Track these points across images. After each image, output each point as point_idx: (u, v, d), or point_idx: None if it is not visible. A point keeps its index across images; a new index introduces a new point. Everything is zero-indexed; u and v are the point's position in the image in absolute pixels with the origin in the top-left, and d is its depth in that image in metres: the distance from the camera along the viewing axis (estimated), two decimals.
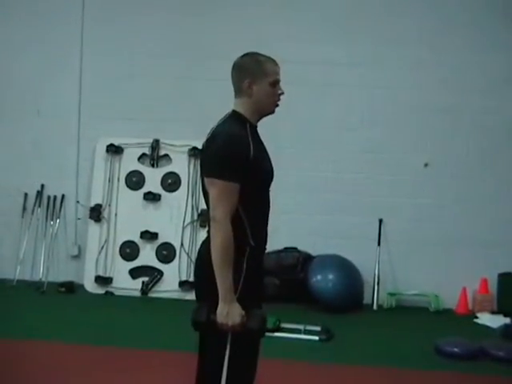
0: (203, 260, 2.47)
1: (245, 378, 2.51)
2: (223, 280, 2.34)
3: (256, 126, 2.56)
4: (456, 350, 4.73)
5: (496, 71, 6.12)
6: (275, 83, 2.53)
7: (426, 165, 6.23)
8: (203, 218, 6.15)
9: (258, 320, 2.38)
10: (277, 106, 2.57)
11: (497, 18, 6.07)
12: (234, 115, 2.53)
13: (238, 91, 2.53)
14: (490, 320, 5.75)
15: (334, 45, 6.25)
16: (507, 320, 5.68)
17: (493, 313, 5.96)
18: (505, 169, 6.17)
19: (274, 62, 2.55)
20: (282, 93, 2.56)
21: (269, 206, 2.57)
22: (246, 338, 2.40)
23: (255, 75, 2.49)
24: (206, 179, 2.43)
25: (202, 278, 2.50)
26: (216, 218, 2.36)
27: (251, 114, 2.52)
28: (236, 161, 2.38)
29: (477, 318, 5.88)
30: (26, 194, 6.65)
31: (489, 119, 6.15)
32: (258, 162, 2.43)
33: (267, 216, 2.57)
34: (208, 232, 2.53)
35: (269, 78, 2.50)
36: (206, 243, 2.51)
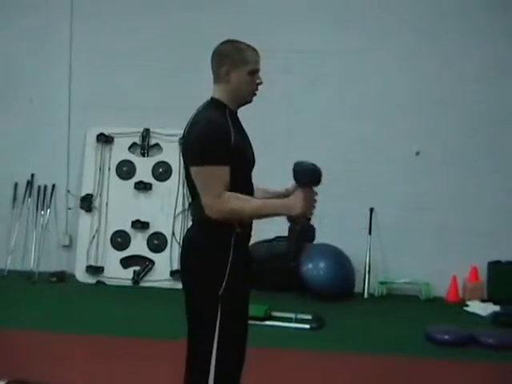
0: (188, 248, 2.48)
1: (233, 363, 2.51)
2: (267, 210, 2.38)
3: (236, 112, 2.54)
4: (446, 337, 4.76)
5: (489, 61, 6.12)
6: (254, 72, 2.50)
7: (417, 153, 6.25)
8: None
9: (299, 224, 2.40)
10: (254, 95, 2.54)
11: (490, 7, 6.07)
12: (213, 102, 2.51)
13: (217, 77, 2.51)
14: (479, 308, 5.78)
15: (327, 34, 6.24)
16: (497, 308, 5.72)
17: (483, 301, 6.00)
18: (497, 157, 6.19)
19: (254, 50, 2.52)
20: (261, 82, 2.53)
21: (252, 192, 2.56)
22: (229, 324, 2.40)
23: (234, 62, 2.46)
24: (191, 168, 2.41)
25: (188, 267, 2.50)
26: (211, 204, 2.34)
27: (229, 100, 2.50)
28: (219, 145, 2.36)
29: (467, 305, 5.91)
30: (16, 184, 6.62)
31: (481, 108, 6.16)
32: (239, 146, 2.42)
33: None
34: (192, 220, 2.53)
35: (248, 66, 2.47)
36: (191, 231, 2.52)
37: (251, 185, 2.57)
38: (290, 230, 2.43)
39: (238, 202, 2.35)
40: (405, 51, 6.19)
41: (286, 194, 2.58)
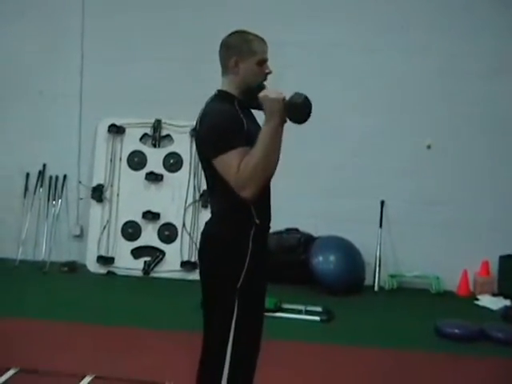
0: (207, 240, 2.47)
1: (249, 354, 2.52)
2: (265, 135, 2.32)
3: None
4: (456, 331, 4.74)
5: (497, 56, 6.06)
6: (262, 62, 2.49)
7: (428, 147, 6.21)
8: (205, 198, 6.16)
9: (300, 96, 2.36)
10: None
11: (495, 4, 6.01)
12: (221, 94, 2.50)
13: (225, 69, 2.50)
14: (490, 302, 5.77)
15: (336, 28, 6.20)
16: (507, 302, 5.70)
17: (493, 295, 5.97)
18: (507, 152, 6.15)
19: (262, 40, 2.51)
20: (270, 72, 2.52)
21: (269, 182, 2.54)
22: (245, 315, 2.39)
23: (242, 53, 2.45)
24: (213, 161, 2.36)
25: (207, 259, 2.49)
26: (235, 184, 2.30)
27: (238, 92, 2.48)
28: (233, 131, 2.34)
29: (477, 299, 5.89)
30: (27, 174, 6.65)
31: (491, 102, 6.11)
32: (252, 134, 2.38)
33: (269, 192, 2.54)
34: (211, 212, 2.52)
35: (256, 56, 2.46)
36: (209, 224, 2.51)
37: None
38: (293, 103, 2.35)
39: (249, 158, 2.29)
40: (416, 47, 6.13)
41: None
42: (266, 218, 2.52)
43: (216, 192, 2.43)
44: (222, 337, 2.41)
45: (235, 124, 2.37)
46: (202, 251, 2.54)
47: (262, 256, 2.49)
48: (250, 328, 2.48)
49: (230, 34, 2.53)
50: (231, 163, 2.31)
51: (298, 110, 2.36)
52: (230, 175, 2.31)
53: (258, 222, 2.43)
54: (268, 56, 2.52)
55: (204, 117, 2.44)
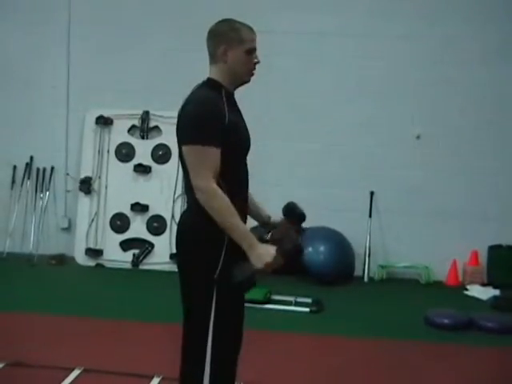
0: (184, 231, 2.45)
1: (230, 346, 2.50)
2: (239, 233, 2.31)
3: (233, 94, 2.50)
4: (446, 321, 4.76)
5: (489, 43, 6.07)
6: (251, 51, 2.46)
7: (417, 137, 6.21)
8: None
9: (289, 241, 2.38)
10: (252, 74, 2.51)
11: None
12: (209, 82, 2.48)
13: (213, 58, 2.48)
14: (479, 292, 5.79)
15: (327, 15, 6.18)
16: (497, 292, 5.73)
17: (483, 285, 6.00)
18: (497, 142, 6.16)
19: (250, 29, 2.49)
20: (258, 61, 2.49)
21: (247, 174, 2.52)
22: (224, 308, 2.38)
23: (231, 42, 2.43)
24: (183, 147, 2.37)
25: (183, 250, 2.47)
26: (200, 187, 2.31)
27: (227, 80, 2.46)
28: (212, 125, 2.33)
29: (467, 289, 5.91)
30: (14, 167, 6.59)
31: (481, 92, 6.12)
32: (233, 127, 2.37)
33: (246, 184, 2.53)
34: (187, 202, 2.50)
35: (245, 45, 2.44)
36: (185, 215, 2.50)
37: (246, 169, 2.52)
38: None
39: (224, 206, 2.30)
40: (406, 33, 6.12)
41: (266, 222, 2.66)
42: (242, 209, 2.49)
43: (191, 182, 2.40)
44: (201, 328, 2.39)
45: (216, 117, 2.34)
46: (178, 242, 2.51)
47: (240, 247, 2.48)
48: (230, 319, 2.46)
49: (218, 22, 2.51)
50: (200, 163, 2.31)
51: (288, 256, 2.37)
52: (196, 176, 2.32)
53: None
54: (256, 45, 2.50)
55: (187, 103, 2.42)
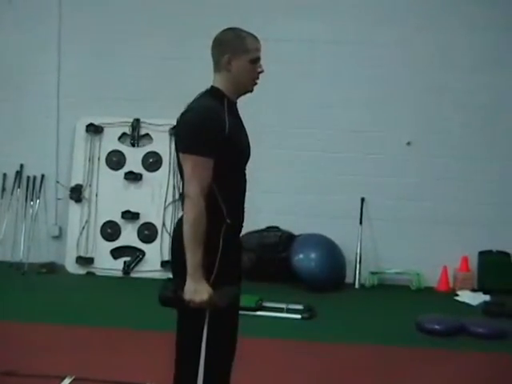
0: (178, 239, 2.46)
1: (223, 354, 2.50)
2: (193, 256, 2.30)
3: (235, 103, 2.51)
4: (437, 326, 4.78)
5: (481, 50, 6.11)
6: (255, 60, 2.48)
7: (408, 143, 6.24)
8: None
9: (225, 297, 2.35)
10: (255, 84, 2.52)
11: None
12: (212, 90, 2.49)
13: (218, 66, 2.48)
14: (470, 297, 5.81)
15: (319, 23, 6.21)
16: (487, 297, 5.75)
17: (473, 290, 6.02)
18: (487, 148, 6.19)
19: (255, 38, 2.50)
20: (262, 71, 2.51)
21: (245, 184, 2.53)
22: (218, 315, 2.37)
23: (235, 51, 2.43)
24: (180, 155, 2.39)
25: (178, 256, 2.45)
26: (189, 194, 2.32)
27: (230, 89, 2.47)
28: (209, 135, 2.33)
29: (457, 295, 5.93)
30: (4, 175, 6.57)
31: (473, 98, 6.15)
32: (233, 138, 2.38)
33: (244, 194, 2.53)
34: (183, 210, 2.50)
35: (249, 54, 2.45)
36: (181, 222, 2.49)
37: (244, 179, 2.54)
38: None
39: (197, 221, 2.30)
40: (399, 40, 6.15)
41: None
42: (238, 218, 2.50)
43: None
44: (195, 335, 2.37)
45: (215, 127, 2.34)
46: (173, 248, 2.52)
47: (235, 255, 2.48)
48: (224, 327, 2.45)
49: (223, 31, 2.52)
50: (194, 173, 2.31)
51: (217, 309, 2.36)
52: (189, 184, 2.32)
53: (228, 221, 2.42)
54: (261, 54, 2.51)
55: (188, 111, 2.43)
